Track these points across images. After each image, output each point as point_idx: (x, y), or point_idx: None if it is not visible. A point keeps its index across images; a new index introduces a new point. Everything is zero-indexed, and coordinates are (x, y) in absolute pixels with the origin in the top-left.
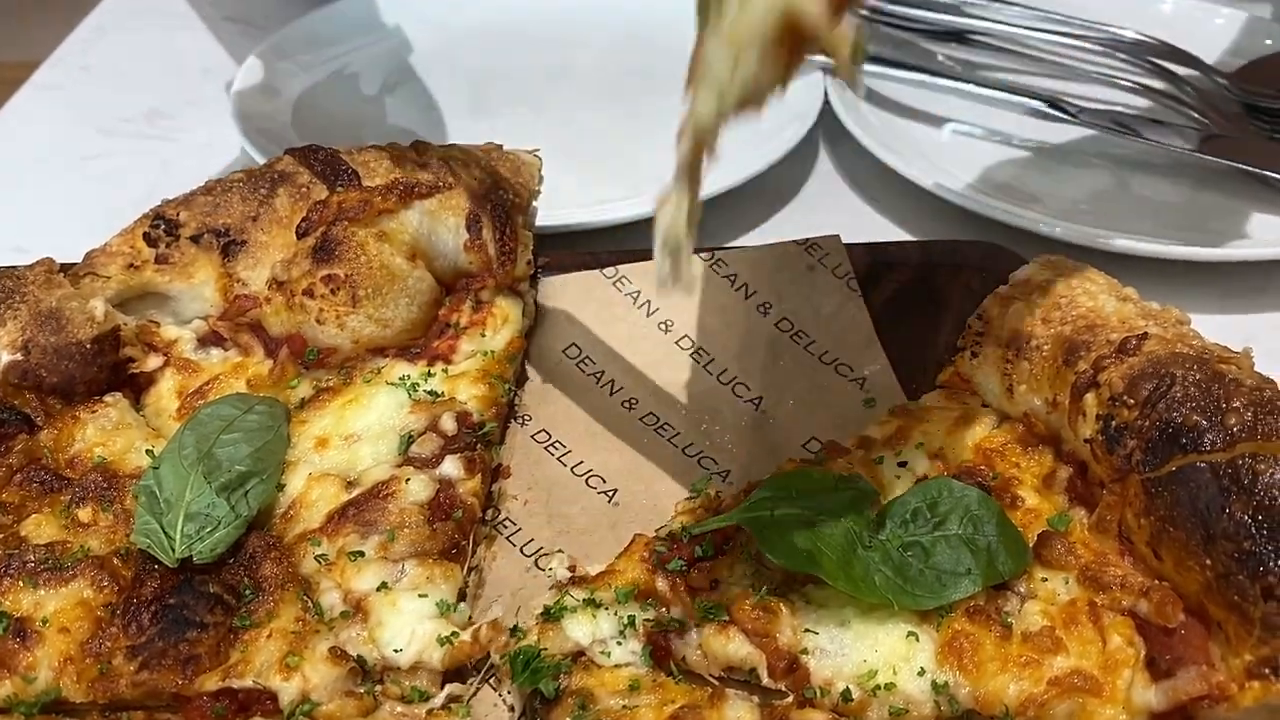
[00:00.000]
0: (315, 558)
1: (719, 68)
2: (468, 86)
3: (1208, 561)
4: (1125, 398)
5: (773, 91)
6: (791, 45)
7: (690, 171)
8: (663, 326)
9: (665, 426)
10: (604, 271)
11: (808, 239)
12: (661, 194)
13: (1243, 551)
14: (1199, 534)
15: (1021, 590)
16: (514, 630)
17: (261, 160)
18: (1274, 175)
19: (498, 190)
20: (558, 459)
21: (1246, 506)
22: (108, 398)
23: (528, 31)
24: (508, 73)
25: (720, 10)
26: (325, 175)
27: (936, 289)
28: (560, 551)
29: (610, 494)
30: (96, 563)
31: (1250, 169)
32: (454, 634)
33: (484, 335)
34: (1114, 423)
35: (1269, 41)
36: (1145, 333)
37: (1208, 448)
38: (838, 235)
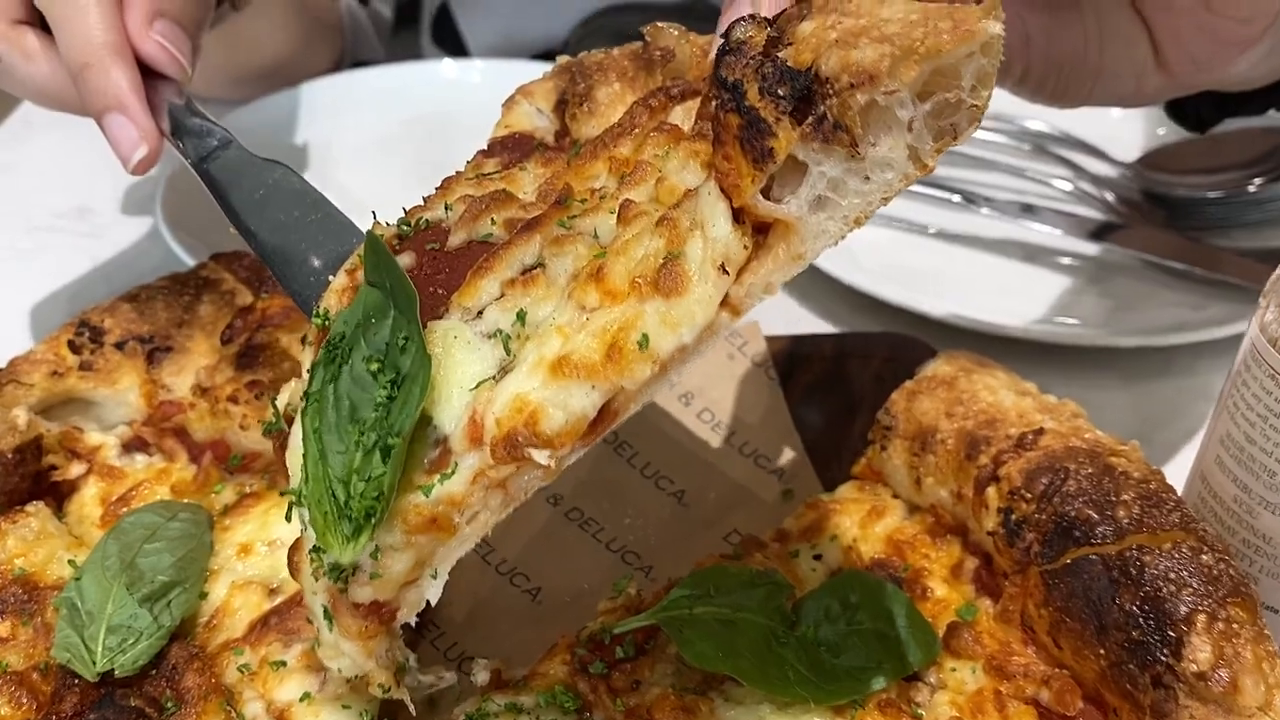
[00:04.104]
0: (238, 667)
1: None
2: (404, 179)
3: (1101, 651)
4: (1023, 491)
5: None
6: None
7: None
8: None
9: (590, 522)
10: None
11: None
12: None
13: (1132, 641)
14: (1093, 624)
15: (932, 681)
16: None
17: (190, 261)
18: (1173, 264)
19: None
20: (482, 557)
21: (1135, 597)
22: (29, 507)
23: (463, 122)
24: (447, 165)
25: None
26: (249, 281)
27: (849, 380)
28: (484, 658)
29: (534, 592)
30: (15, 679)
31: (1149, 258)
32: None
33: None
34: (1013, 516)
35: (1162, 131)
36: (1041, 428)
37: (1099, 540)
38: (757, 324)
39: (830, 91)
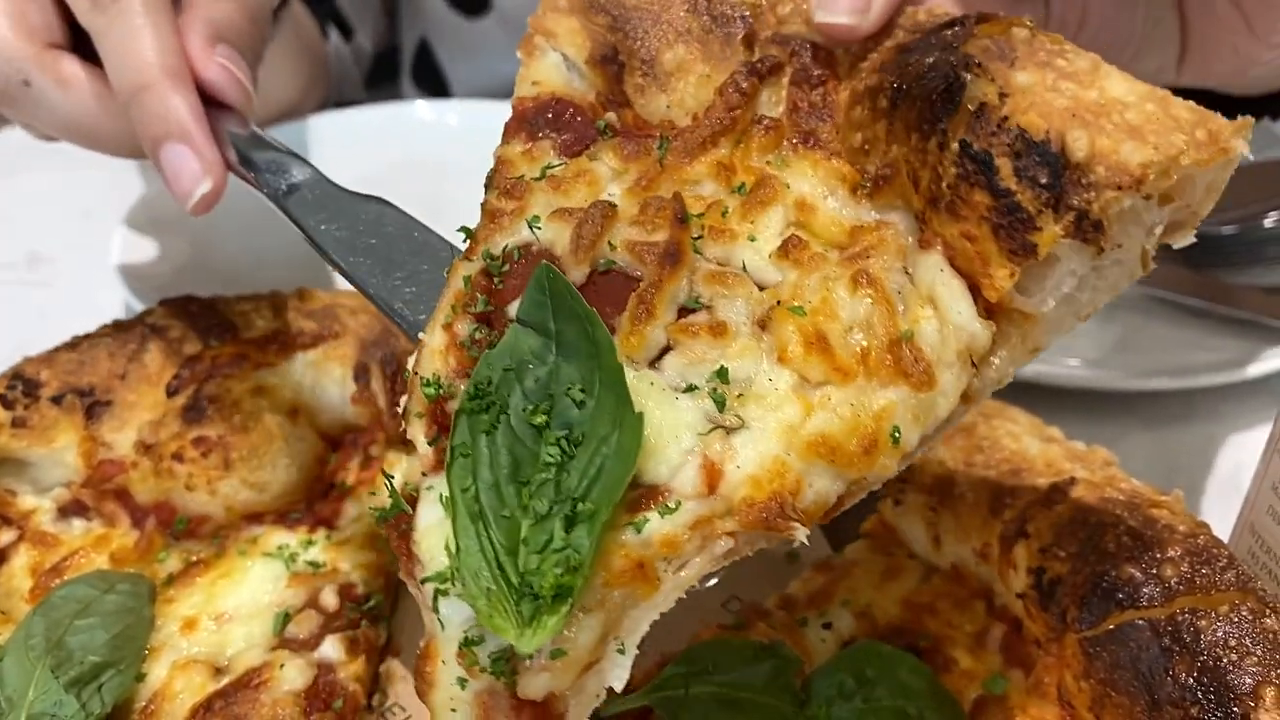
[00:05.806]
0: None
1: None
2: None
3: None
4: (1056, 549)
5: None
6: None
7: None
8: None
9: None
10: None
11: None
12: None
13: (1190, 718)
14: (1143, 699)
15: None
16: None
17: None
18: (1191, 301)
19: (389, 337)
20: None
21: (1191, 668)
22: None
23: (441, 166)
24: (424, 212)
25: None
26: (199, 328)
27: None
28: None
29: None
30: None
31: (1158, 294)
32: None
33: (373, 494)
34: (1046, 576)
35: None
36: (1073, 477)
37: (1145, 603)
38: None
39: (1085, 183)
